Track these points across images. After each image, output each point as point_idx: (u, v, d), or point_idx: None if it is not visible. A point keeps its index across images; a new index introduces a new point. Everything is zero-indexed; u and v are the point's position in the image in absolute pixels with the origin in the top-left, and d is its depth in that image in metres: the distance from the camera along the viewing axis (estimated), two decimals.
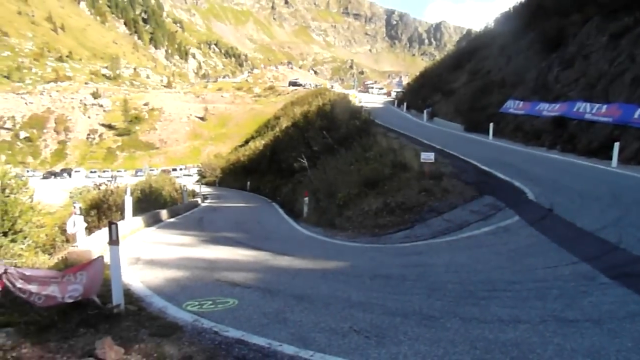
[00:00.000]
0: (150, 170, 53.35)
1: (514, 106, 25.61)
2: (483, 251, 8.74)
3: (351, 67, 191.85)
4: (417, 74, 55.55)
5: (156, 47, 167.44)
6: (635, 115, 16.81)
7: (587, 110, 19.53)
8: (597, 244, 8.10)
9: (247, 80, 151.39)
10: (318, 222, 15.44)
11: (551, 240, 8.67)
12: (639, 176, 14.16)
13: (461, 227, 10.62)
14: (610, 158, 16.37)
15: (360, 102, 38.67)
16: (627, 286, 6.02)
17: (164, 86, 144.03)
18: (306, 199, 17.99)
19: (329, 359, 4.41)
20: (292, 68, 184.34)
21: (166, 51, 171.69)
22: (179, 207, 21.17)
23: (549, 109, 22.31)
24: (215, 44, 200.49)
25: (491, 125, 25.30)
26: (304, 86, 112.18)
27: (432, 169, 14.41)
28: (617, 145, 16.29)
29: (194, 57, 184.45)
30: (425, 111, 36.57)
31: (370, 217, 12.85)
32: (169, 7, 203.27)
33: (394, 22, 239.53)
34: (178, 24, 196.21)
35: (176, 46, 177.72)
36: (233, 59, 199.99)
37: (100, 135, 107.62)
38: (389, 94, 73.17)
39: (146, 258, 9.35)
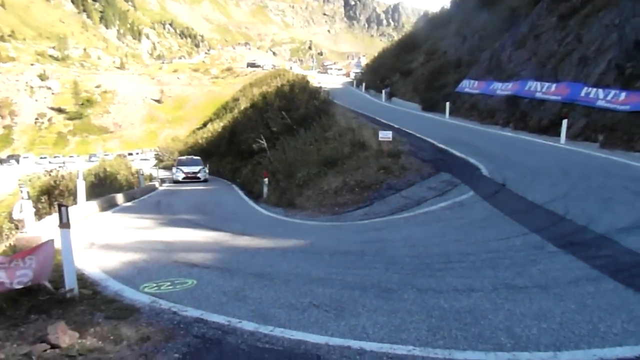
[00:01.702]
0: (105, 155, 51.74)
1: (469, 86, 26.16)
2: (439, 225, 8.97)
3: (310, 48, 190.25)
4: (376, 54, 55.86)
5: (107, 27, 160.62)
6: (582, 94, 17.49)
7: (538, 89, 20.18)
8: (546, 215, 8.46)
9: (204, 61, 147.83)
10: (278, 202, 15.40)
11: (504, 213, 8.99)
12: (585, 152, 14.81)
13: (419, 203, 10.85)
14: (560, 135, 17.03)
15: (320, 83, 38.57)
16: (572, 253, 6.33)
17: (117, 68, 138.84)
18: (266, 179, 17.89)
19: (288, 334, 4.44)
20: (250, 49, 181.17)
21: (118, 31, 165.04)
22: (136, 191, 20.65)
23: (502, 88, 22.92)
24: (170, 24, 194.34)
25: (447, 104, 25.79)
26: (262, 67, 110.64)
27: (390, 147, 14.58)
28: (565, 122, 16.95)
29: (147, 37, 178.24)
30: (383, 91, 36.86)
31: (329, 195, 12.92)
32: None
33: (352, 3, 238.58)
34: (130, 3, 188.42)
35: (128, 26, 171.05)
36: (189, 39, 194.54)
37: (49, 120, 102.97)
38: (348, 74, 73.31)
39: (101, 242, 9.09)
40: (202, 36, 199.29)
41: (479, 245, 7.19)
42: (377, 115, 25.82)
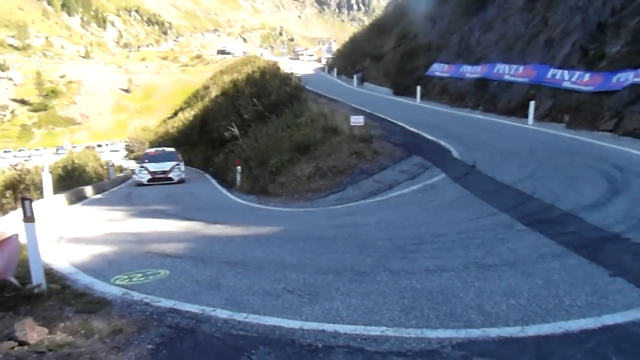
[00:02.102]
0: (73, 147, 50.42)
1: (439, 69, 26.36)
2: (411, 208, 9.09)
3: (281, 34, 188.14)
4: (347, 39, 55.66)
5: (69, 14, 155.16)
6: (549, 75, 17.82)
7: (506, 71, 20.47)
8: (514, 195, 8.65)
9: (172, 49, 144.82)
10: (251, 190, 15.33)
11: (474, 194, 9.15)
12: (552, 132, 15.15)
13: (391, 187, 10.95)
14: (527, 116, 17.36)
15: (291, 69, 38.28)
16: (540, 231, 6.50)
17: (82, 57, 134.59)
18: (238, 167, 17.76)
19: (263, 319, 4.46)
20: (219, 36, 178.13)
21: (81, 19, 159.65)
22: (105, 183, 20.24)
23: (471, 71, 23.17)
24: (136, 11, 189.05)
25: (418, 88, 25.96)
26: (233, 54, 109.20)
27: (362, 132, 14.62)
28: (532, 104, 17.28)
29: (113, 25, 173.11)
30: (355, 76, 36.87)
31: (302, 182, 12.92)
32: None
33: None
34: None
35: (92, 13, 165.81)
36: (156, 26, 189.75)
37: (12, 112, 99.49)
38: (319, 60, 72.96)
39: (70, 236, 8.89)
40: (170, 23, 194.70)
41: (450, 226, 7.31)
42: (349, 100, 25.83)
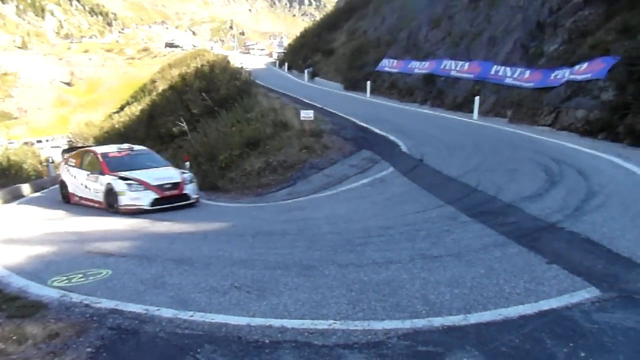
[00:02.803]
0: (10, 142, 47.72)
1: (388, 65, 26.74)
2: (361, 202, 9.18)
3: (231, 27, 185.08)
4: (298, 34, 55.47)
5: (3, 2, 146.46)
6: (492, 72, 18.45)
7: (452, 67, 21.02)
8: (459, 188, 8.90)
9: (117, 41, 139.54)
10: (200, 185, 14.93)
11: (421, 187, 9.35)
12: (496, 127, 15.70)
13: (341, 181, 11.02)
14: (473, 111, 17.91)
15: (242, 63, 37.79)
16: (483, 222, 6.72)
17: (18, 47, 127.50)
18: (187, 163, 17.32)
19: (209, 317, 4.38)
20: (167, 28, 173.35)
21: (17, 7, 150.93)
22: (44, 181, 19.24)
23: (419, 67, 23.64)
24: (78, 0, 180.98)
25: (368, 83, 26.23)
26: (181, 47, 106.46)
27: (312, 126, 14.63)
28: (477, 99, 17.84)
29: (52, 14, 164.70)
30: (306, 71, 36.82)
31: (252, 177, 12.80)
32: None
33: None
34: None
35: (29, 1, 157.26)
36: (100, 17, 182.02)
37: None
38: (270, 54, 72.41)
39: (3, 237, 8.39)
40: (114, 14, 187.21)
41: (398, 219, 7.44)
42: (300, 95, 25.78)
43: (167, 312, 4.52)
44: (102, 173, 11.47)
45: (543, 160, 10.26)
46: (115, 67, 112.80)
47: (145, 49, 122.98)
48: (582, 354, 3.31)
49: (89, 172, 11.96)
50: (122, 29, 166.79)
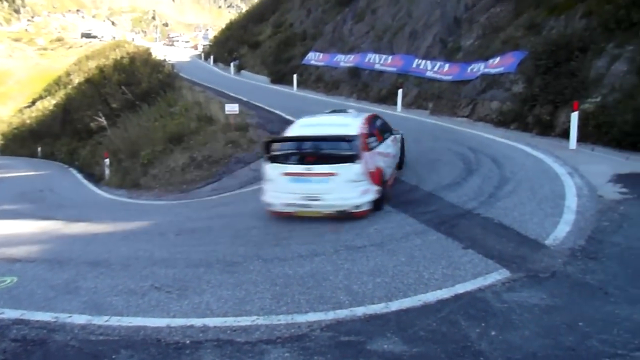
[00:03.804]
0: None
1: (314, 58, 26.82)
2: None
3: (154, 18, 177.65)
4: (224, 26, 54.35)
5: None
6: (414, 65, 19.03)
7: (377, 61, 21.44)
8: None
9: (27, 30, 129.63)
10: (122, 183, 14.36)
11: None
12: (418, 118, 16.22)
13: None
14: (396, 103, 18.39)
15: (165, 55, 36.41)
16: (405, 212, 6.91)
17: None
18: (107, 160, 16.52)
19: (126, 321, 4.20)
20: (84, 17, 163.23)
21: None
22: None
23: (345, 60, 23.90)
24: None
25: (295, 76, 26.21)
26: (100, 38, 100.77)
27: (238, 120, 14.39)
28: (400, 92, 18.34)
29: None
30: (232, 64, 36.15)
31: (177, 173, 12.39)
32: None
33: None
34: None
35: None
36: (6, 3, 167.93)
37: None
38: (196, 47, 70.36)
39: None
40: (22, 1, 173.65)
41: None
42: (226, 88, 25.30)
43: (79, 319, 4.30)
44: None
45: (461, 150, 10.73)
46: (25, 58, 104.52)
47: (59, 39, 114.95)
48: (493, 333, 3.50)
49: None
50: (32, 17, 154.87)
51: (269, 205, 7.21)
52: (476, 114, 14.75)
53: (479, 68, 15.52)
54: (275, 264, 5.34)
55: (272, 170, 7.20)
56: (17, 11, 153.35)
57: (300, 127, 8.03)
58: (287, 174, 6.98)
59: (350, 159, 6.73)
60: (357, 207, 6.71)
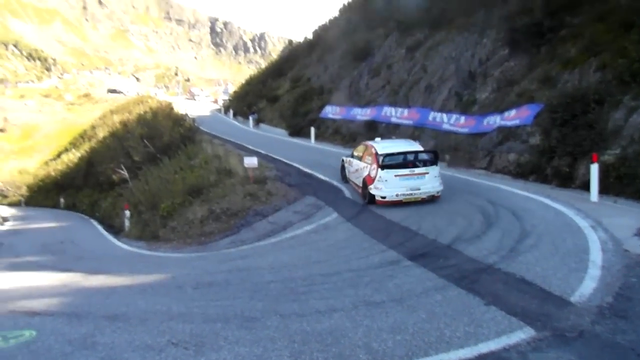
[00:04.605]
0: None
1: (332, 111, 27.37)
2: (304, 249, 9.09)
3: (176, 74, 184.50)
4: (243, 81, 56.12)
5: None
6: (430, 118, 19.27)
7: (393, 114, 21.79)
8: (402, 232, 9.04)
9: (56, 86, 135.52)
10: (141, 235, 14.48)
11: (364, 232, 9.41)
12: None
13: (285, 228, 10.92)
14: None
15: (186, 109, 37.55)
16: (424, 266, 6.81)
17: None
18: (127, 212, 16.76)
19: None
20: (110, 74, 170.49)
21: None
22: None
23: (361, 114, 24.35)
24: (15, 45, 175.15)
25: (312, 129, 26.65)
26: (124, 93, 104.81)
27: (256, 173, 14.56)
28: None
29: None
30: (251, 117, 37.02)
31: (195, 225, 12.46)
32: None
33: (219, 30, 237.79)
34: None
35: None
36: (38, 62, 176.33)
37: None
38: (216, 101, 72.43)
39: None
40: (54, 59, 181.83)
41: (341, 265, 7.40)
42: (245, 141, 25.79)
43: None
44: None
45: (480, 202, 10.65)
46: (54, 113, 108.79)
47: (86, 95, 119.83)
48: None
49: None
50: (62, 74, 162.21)
51: (382, 198, 11.05)
52: (494, 166, 14.74)
53: (495, 120, 15.64)
54: (293, 319, 5.25)
55: (386, 174, 11.02)
56: (48, 69, 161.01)
57: (389, 149, 11.79)
58: (397, 175, 10.98)
59: (434, 163, 11.48)
60: (439, 192, 11.24)
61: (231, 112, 45.39)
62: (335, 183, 14.26)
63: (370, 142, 12.89)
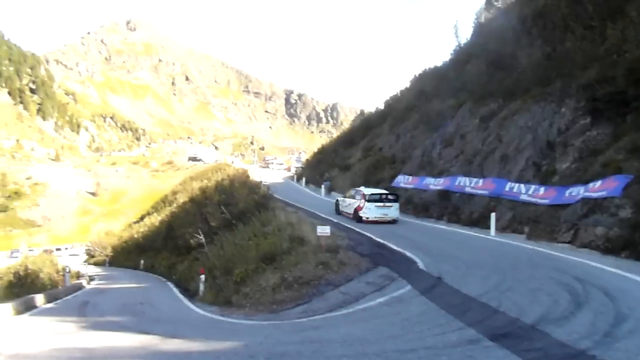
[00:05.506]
0: (30, 250, 48.43)
1: (404, 181, 27.35)
2: (377, 322, 8.83)
3: (252, 142, 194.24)
4: (315, 150, 57.85)
5: (44, 119, 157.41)
6: (506, 188, 18.70)
7: (467, 184, 21.40)
8: (480, 308, 8.58)
9: (144, 154, 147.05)
10: (214, 300, 14.77)
11: (440, 307, 9.03)
12: (514, 243, 15.53)
13: (357, 299, 10.72)
14: (489, 227, 17.85)
15: (261, 177, 39.06)
16: (507, 347, 6.36)
17: (52, 159, 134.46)
18: (202, 276, 17.25)
19: None
20: (192, 143, 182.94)
21: (55, 123, 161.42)
22: (59, 291, 19.18)
23: (434, 183, 24.12)
24: (111, 118, 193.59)
25: None
26: (204, 161, 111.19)
27: (328, 242, 14.63)
28: (493, 215, 17.87)
29: (86, 129, 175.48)
30: (323, 185, 37.70)
31: (267, 292, 12.55)
32: (60, 79, 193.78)
33: (293, 101, 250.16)
34: (70, 96, 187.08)
35: (67, 118, 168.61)
36: (130, 132, 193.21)
37: None
38: (289, 169, 74.75)
39: (9, 352, 8.17)
40: (143, 130, 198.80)
41: (417, 342, 7.09)
42: (317, 209, 26.16)
43: None
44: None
45: (565, 279, 9.97)
46: (140, 179, 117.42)
47: (170, 162, 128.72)
48: None
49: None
50: (149, 144, 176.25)
51: (367, 218, 20.76)
52: (579, 240, 13.86)
53: (578, 192, 14.92)
54: None
55: (370, 204, 20.77)
56: (138, 139, 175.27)
57: (372, 191, 22.17)
58: (377, 206, 20.73)
59: (396, 201, 21.56)
60: (397, 218, 21.19)
61: (303, 180, 46.55)
62: (408, 254, 13.98)
63: (358, 188, 22.92)
